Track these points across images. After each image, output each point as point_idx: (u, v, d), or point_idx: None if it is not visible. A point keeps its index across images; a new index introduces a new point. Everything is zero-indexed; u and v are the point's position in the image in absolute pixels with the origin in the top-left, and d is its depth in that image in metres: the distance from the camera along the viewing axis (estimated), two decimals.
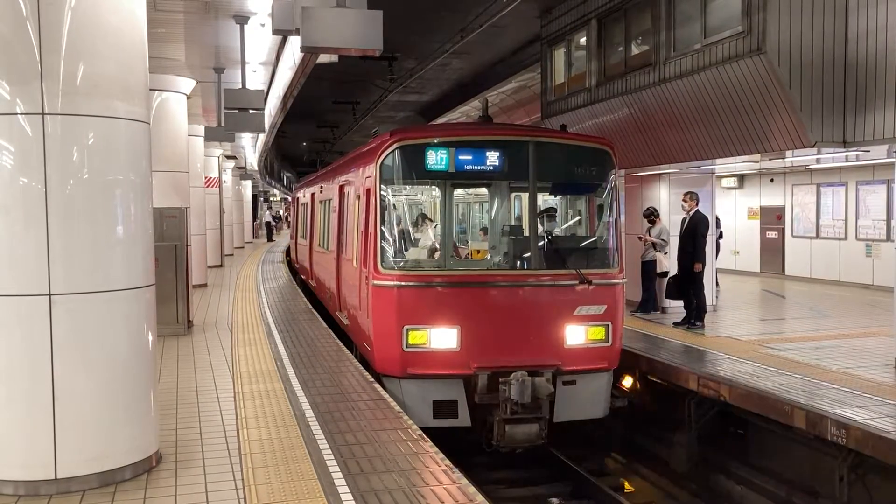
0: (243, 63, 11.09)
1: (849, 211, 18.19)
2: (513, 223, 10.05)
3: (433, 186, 9.83)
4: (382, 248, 8.68)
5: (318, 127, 32.13)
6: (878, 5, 8.53)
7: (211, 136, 16.73)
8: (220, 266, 24.41)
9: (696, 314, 12.23)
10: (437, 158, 8.64)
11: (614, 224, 9.28)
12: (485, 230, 11.32)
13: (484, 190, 11.16)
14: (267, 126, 17.07)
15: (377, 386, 8.39)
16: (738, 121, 10.09)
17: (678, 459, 9.40)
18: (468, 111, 22.90)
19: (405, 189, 9.43)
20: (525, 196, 9.49)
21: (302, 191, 22.34)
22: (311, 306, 15.08)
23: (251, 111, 12.00)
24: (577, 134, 10.97)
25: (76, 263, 5.38)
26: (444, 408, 8.43)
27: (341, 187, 12.24)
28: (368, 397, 7.86)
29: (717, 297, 14.55)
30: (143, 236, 5.83)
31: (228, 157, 29.92)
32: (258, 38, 11.06)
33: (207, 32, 11.00)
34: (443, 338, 8.45)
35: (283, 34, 7.41)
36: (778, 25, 8.94)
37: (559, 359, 8.62)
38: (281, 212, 74.01)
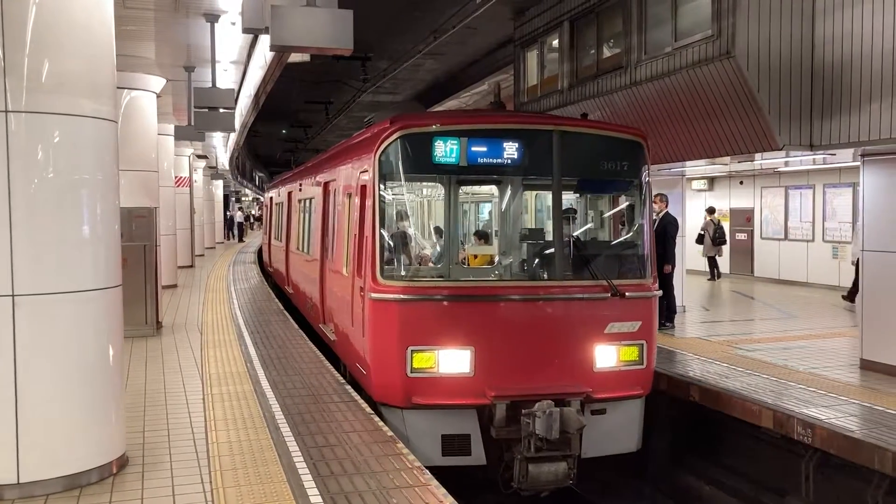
0: (213, 62, 11.00)
1: (816, 213, 18.48)
2: (533, 226, 9.04)
3: (440, 183, 8.58)
4: (382, 255, 7.50)
5: (290, 126, 31.97)
6: (844, 12, 8.66)
7: (181, 135, 16.56)
8: (191, 266, 24.20)
9: (665, 315, 12.34)
10: (446, 150, 7.48)
11: (647, 227, 8.23)
12: (484, 236, 10.03)
13: (491, 187, 9.89)
14: (238, 125, 16.95)
15: (349, 388, 8.33)
16: (707, 123, 10.19)
17: (648, 459, 9.46)
18: None
19: (409, 186, 8.28)
20: (546, 195, 8.51)
21: (277, 189, 21.25)
22: (282, 307, 14.98)
23: (222, 110, 11.91)
24: (606, 123, 9.81)
25: (41, 264, 5.29)
26: (454, 443, 7.29)
27: (326, 185, 11.12)
28: (339, 399, 7.82)
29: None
30: (110, 236, 5.75)
31: (199, 157, 29.67)
32: (229, 37, 10.97)
33: (177, 30, 10.89)
34: (453, 361, 7.27)
35: (253, 33, 7.35)
36: (747, 30, 9.04)
37: (589, 384, 7.46)
38: (254, 212, 73.63)
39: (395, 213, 7.90)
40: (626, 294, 7.56)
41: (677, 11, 10.41)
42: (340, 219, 9.57)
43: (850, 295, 15.32)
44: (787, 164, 18.17)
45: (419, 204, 9.36)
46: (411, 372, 7.24)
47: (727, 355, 10.26)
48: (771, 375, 9.04)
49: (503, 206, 8.79)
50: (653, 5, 10.94)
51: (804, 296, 16.77)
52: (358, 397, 7.91)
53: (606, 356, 7.62)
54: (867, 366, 9.44)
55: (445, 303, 7.34)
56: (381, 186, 7.59)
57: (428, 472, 5.75)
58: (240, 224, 49.85)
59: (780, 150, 9.33)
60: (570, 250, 7.88)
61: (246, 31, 6.59)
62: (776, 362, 9.78)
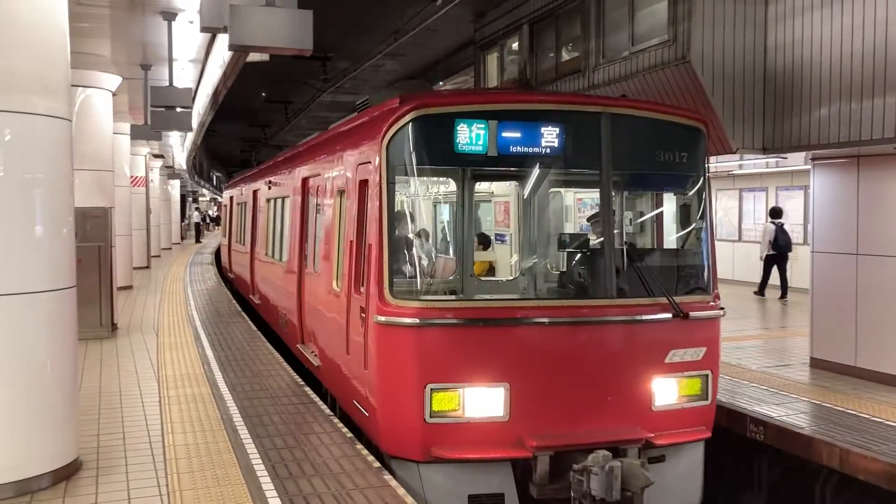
0: (171, 60, 10.86)
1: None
2: (574, 231, 7.84)
3: (461, 177, 7.27)
4: (391, 268, 6.03)
5: (248, 126, 31.69)
6: (795, 20, 8.88)
7: (137, 134, 16.31)
8: (147, 268, 23.85)
9: None
10: (471, 135, 6.05)
11: (708, 232, 6.87)
12: (484, 240, 8.62)
13: (503, 183, 8.46)
14: (195, 125, 16.74)
15: (308, 389, 8.29)
16: None
17: None
18: None
19: (425, 181, 6.87)
20: (565, 192, 7.36)
21: (239, 188, 19.60)
22: (240, 308, 14.83)
23: (179, 109, 11.76)
24: (661, 104, 8.14)
25: None
26: None
27: (305, 181, 9.66)
28: (298, 400, 7.79)
29: None
30: (64, 236, 5.66)
31: (156, 156, 29.25)
32: (187, 35, 10.84)
33: (134, 28, 10.73)
34: (483, 401, 5.89)
35: (211, 32, 7.27)
36: (702, 35, 9.21)
37: (648, 427, 6.18)
38: (211, 212, 72.80)
39: (407, 215, 6.49)
40: (690, 314, 6.30)
41: (634, 16, 10.57)
42: (328, 222, 8.10)
43: (761, 289, 16.80)
44: (740, 166, 18.56)
45: (438, 204, 7.98)
46: (430, 417, 5.83)
47: None
48: (725, 375, 9.22)
49: (537, 207, 7.48)
50: (610, 10, 11.09)
51: (757, 296, 17.10)
52: (317, 399, 7.87)
53: (667, 391, 6.34)
54: (817, 364, 9.69)
55: (474, 328, 5.93)
56: (390, 182, 6.10)
57: (387, 472, 5.77)
58: (197, 224, 49.40)
59: (734, 153, 9.52)
60: (624, 261, 6.48)
61: (204, 30, 6.52)
62: (730, 361, 9.98)
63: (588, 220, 7.13)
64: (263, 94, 21.93)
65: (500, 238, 10.57)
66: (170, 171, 35.58)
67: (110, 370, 9.33)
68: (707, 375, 6.48)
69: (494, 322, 5.97)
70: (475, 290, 7.34)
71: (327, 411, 7.38)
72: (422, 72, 19.95)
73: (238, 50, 7.16)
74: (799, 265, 17.41)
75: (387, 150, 6.11)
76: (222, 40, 10.13)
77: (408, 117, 6.05)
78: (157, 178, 31.96)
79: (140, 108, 16.01)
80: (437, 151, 6.18)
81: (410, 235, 6.50)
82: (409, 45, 15.62)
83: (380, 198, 6.11)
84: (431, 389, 5.80)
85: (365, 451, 6.18)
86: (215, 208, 73.59)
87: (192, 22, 10.03)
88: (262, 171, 15.59)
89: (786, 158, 15.18)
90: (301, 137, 23.88)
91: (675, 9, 9.36)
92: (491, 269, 9.25)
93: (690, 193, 6.97)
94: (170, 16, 9.86)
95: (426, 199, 7.29)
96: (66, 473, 5.59)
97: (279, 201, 12.01)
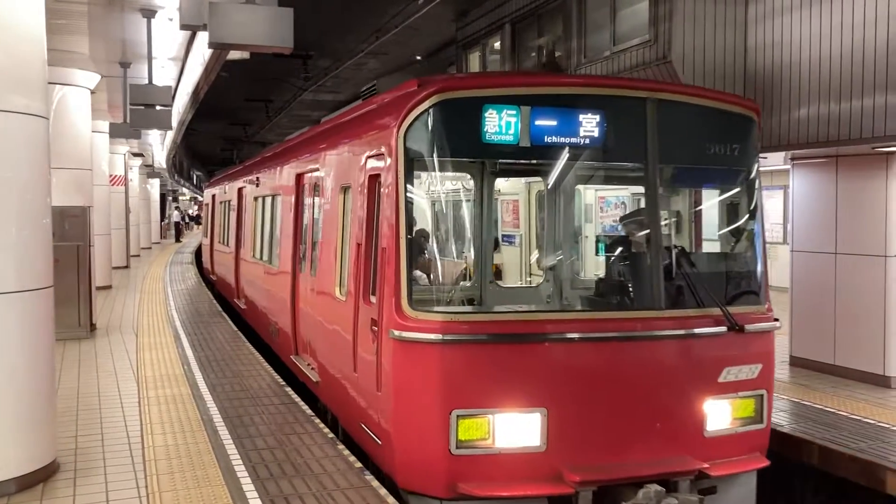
0: (150, 58, 10.76)
1: None
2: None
3: (488, 172, 6.56)
4: (410, 275, 5.29)
5: (229, 124, 31.53)
6: (775, 21, 8.95)
7: (116, 132, 16.16)
8: (126, 267, 23.66)
9: None
10: (501, 123, 5.30)
11: (761, 234, 6.22)
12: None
13: (518, 180, 7.87)
14: (175, 123, 16.63)
15: (289, 389, 8.24)
16: None
17: None
18: None
19: (447, 176, 6.10)
20: (593, 191, 6.90)
21: (222, 185, 18.70)
22: (220, 308, 14.74)
23: (158, 108, 11.66)
24: (709, 90, 7.14)
25: None
26: None
27: (300, 177, 9.00)
28: (279, 401, 7.75)
29: None
30: (40, 236, 5.59)
31: (135, 155, 29.01)
32: (166, 33, 10.75)
33: (112, 25, 10.63)
34: (517, 429, 5.17)
35: (191, 30, 7.20)
36: (683, 36, 9.27)
37: (701, 455, 5.50)
38: (191, 211, 72.41)
39: (428, 214, 5.83)
40: (745, 327, 5.65)
41: (616, 16, 10.60)
42: (328, 222, 7.35)
43: None
44: None
45: (461, 201, 7.15)
46: (456, 447, 5.09)
47: None
48: None
49: (563, 205, 6.84)
50: (592, 10, 11.13)
51: None
52: (298, 399, 7.83)
53: (720, 414, 5.67)
54: (796, 362, 9.77)
55: (507, 344, 5.17)
56: (408, 176, 5.34)
57: (369, 472, 5.75)
58: (177, 224, 49.15)
59: None
60: (673, 267, 5.75)
61: (184, 27, 6.47)
62: None
63: (621, 220, 6.54)
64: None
65: (508, 240, 10.01)
66: (149, 170, 35.34)
67: (89, 371, 9.23)
68: (762, 395, 5.83)
69: (532, 338, 5.21)
70: (495, 297, 6.71)
71: (309, 412, 7.34)
72: (403, 71, 19.93)
73: (218, 48, 7.12)
74: (778, 264, 17.57)
75: (404, 140, 5.33)
76: (202, 38, 10.05)
77: (428, 102, 5.28)
78: (137, 177, 31.73)
79: (119, 106, 15.88)
80: (462, 142, 5.42)
81: (431, 238, 5.86)
82: (391, 43, 15.60)
83: (396, 195, 5.33)
84: (458, 416, 5.08)
85: (346, 452, 6.16)
86: (196, 207, 73.13)
87: (171, 19, 9.94)
88: (249, 168, 14.82)
89: (765, 158, 15.29)
90: (282, 136, 23.80)
91: (656, 9, 9.40)
92: (498, 273, 8.63)
93: (742, 190, 6.28)
94: (149, 13, 9.77)
95: (449, 196, 6.46)
96: (43, 476, 5.52)
97: (269, 199, 11.32)
